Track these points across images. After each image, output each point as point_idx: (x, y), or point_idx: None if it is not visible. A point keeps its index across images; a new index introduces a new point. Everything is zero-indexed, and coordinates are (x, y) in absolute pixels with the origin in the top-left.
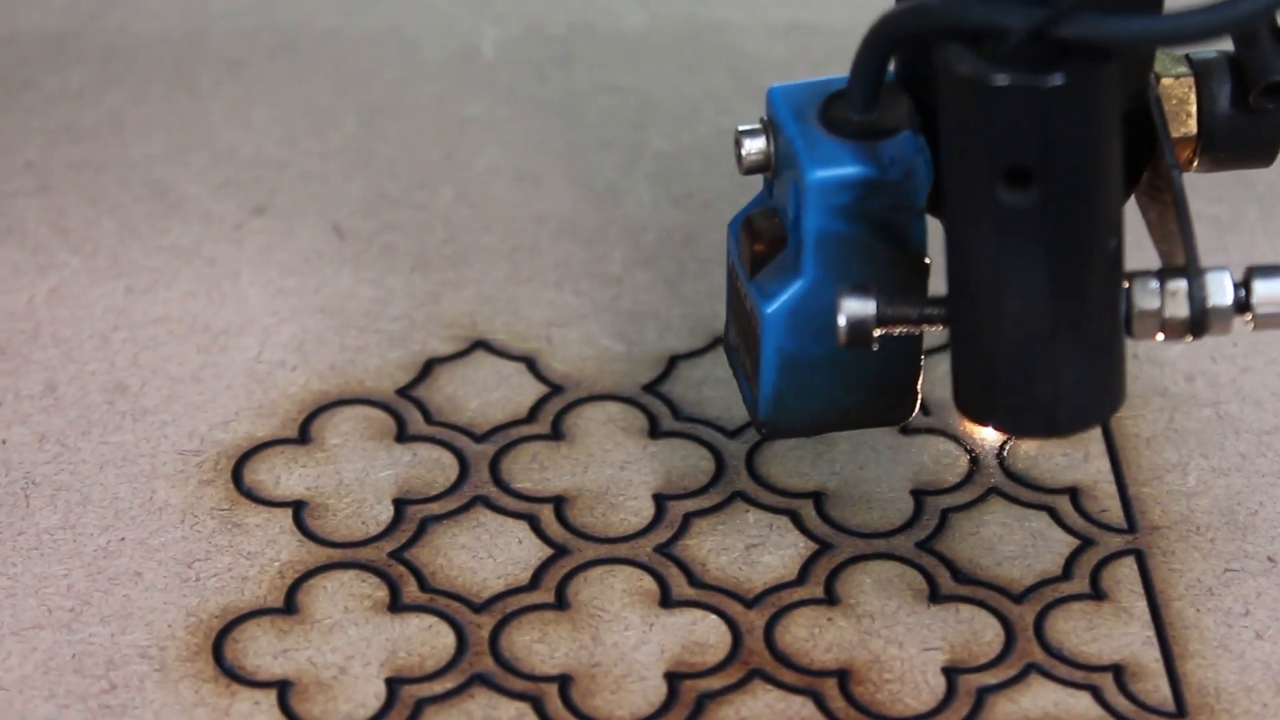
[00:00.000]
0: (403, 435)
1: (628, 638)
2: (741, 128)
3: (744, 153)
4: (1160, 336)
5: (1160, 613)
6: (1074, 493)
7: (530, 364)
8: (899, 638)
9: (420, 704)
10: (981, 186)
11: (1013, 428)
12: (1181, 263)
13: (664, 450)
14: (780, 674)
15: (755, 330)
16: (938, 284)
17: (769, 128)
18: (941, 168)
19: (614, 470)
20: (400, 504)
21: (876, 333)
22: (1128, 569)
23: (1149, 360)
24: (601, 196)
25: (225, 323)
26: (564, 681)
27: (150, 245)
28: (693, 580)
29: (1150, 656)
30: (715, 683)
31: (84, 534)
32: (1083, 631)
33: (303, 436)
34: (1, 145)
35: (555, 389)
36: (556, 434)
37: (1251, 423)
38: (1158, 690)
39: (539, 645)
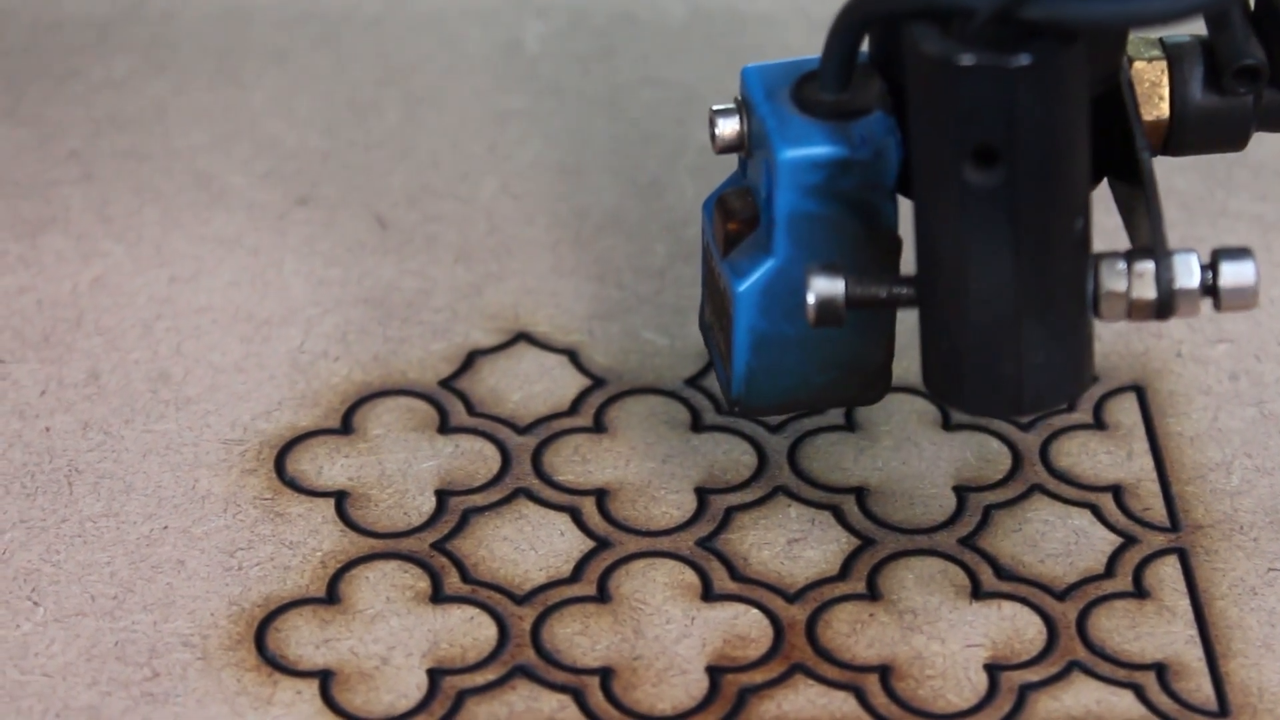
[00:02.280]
0: (445, 427)
1: (669, 631)
2: (715, 107)
3: (718, 132)
4: (1127, 318)
5: (1203, 612)
6: (1117, 491)
7: (573, 356)
8: (941, 634)
9: (462, 695)
10: (948, 166)
11: (978, 408)
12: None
13: (706, 444)
14: (822, 669)
15: (728, 309)
16: (910, 264)
17: (743, 107)
18: (910, 147)
19: (656, 463)
20: (442, 495)
21: (846, 312)
22: (1171, 568)
23: (1192, 359)
24: (644, 190)
25: (268, 312)
26: (605, 674)
27: (193, 234)
28: (734, 574)
29: (1193, 655)
30: (757, 677)
31: (127, 522)
32: (1125, 630)
33: (345, 427)
34: (46, 134)
35: (597, 382)
36: (599, 427)
37: None
38: (1200, 690)
39: (580, 638)
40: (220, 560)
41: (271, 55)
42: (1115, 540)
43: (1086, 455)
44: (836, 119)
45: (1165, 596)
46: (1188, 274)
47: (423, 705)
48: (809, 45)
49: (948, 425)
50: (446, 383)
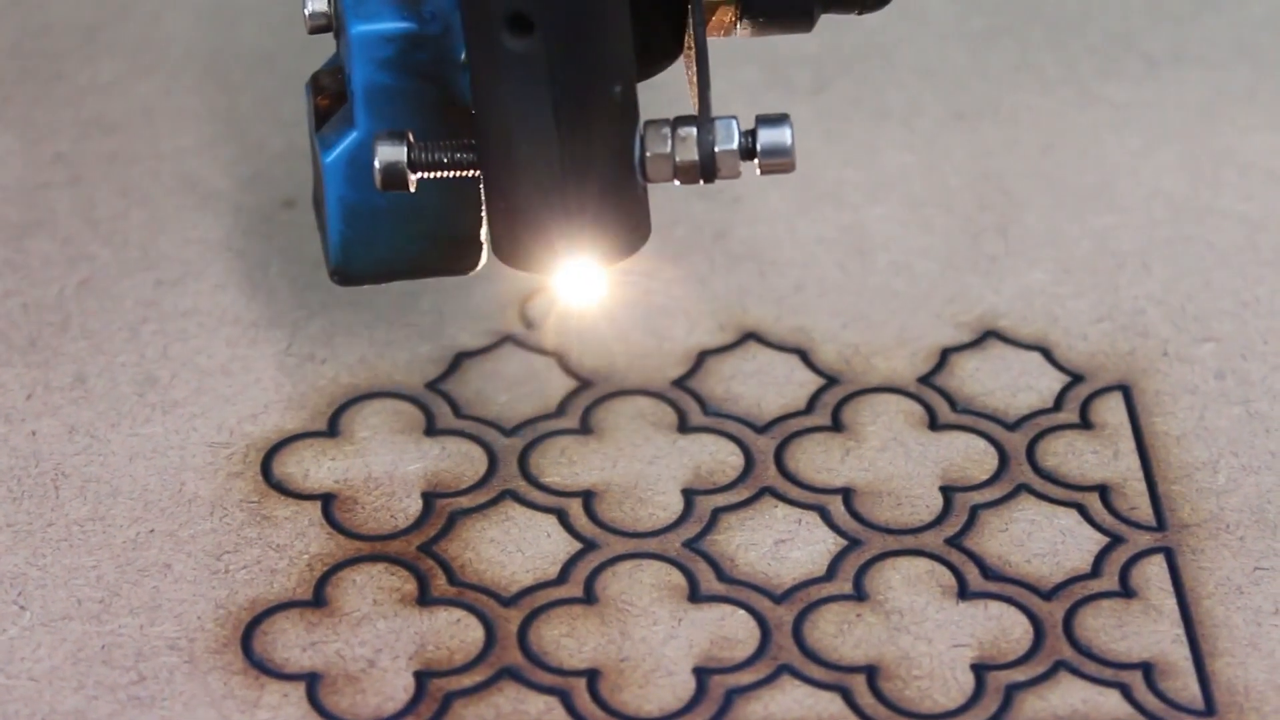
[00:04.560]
0: (432, 429)
1: (656, 632)
2: None
3: (307, 13)
4: (675, 180)
5: (1190, 611)
6: (1104, 490)
7: (559, 358)
8: (928, 634)
9: (449, 697)
10: (488, 34)
11: (533, 265)
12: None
13: (693, 445)
14: (809, 670)
15: (322, 181)
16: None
17: None
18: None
19: (643, 465)
20: (429, 497)
21: (413, 177)
22: (1157, 567)
23: (1178, 358)
24: None
25: (255, 315)
26: (592, 676)
27: (180, 238)
28: (721, 575)
29: (1179, 654)
30: (744, 678)
31: (113, 525)
32: (1112, 629)
33: (332, 430)
34: (33, 137)
35: (584, 383)
36: (585, 428)
37: None
38: (1187, 688)
39: (567, 640)
40: (207, 564)
41: (258, 58)
42: (1102, 540)
43: (1073, 455)
44: None
45: (1152, 596)
46: (728, 137)
47: (410, 707)
48: (799, 48)
49: (934, 425)
50: (433, 385)
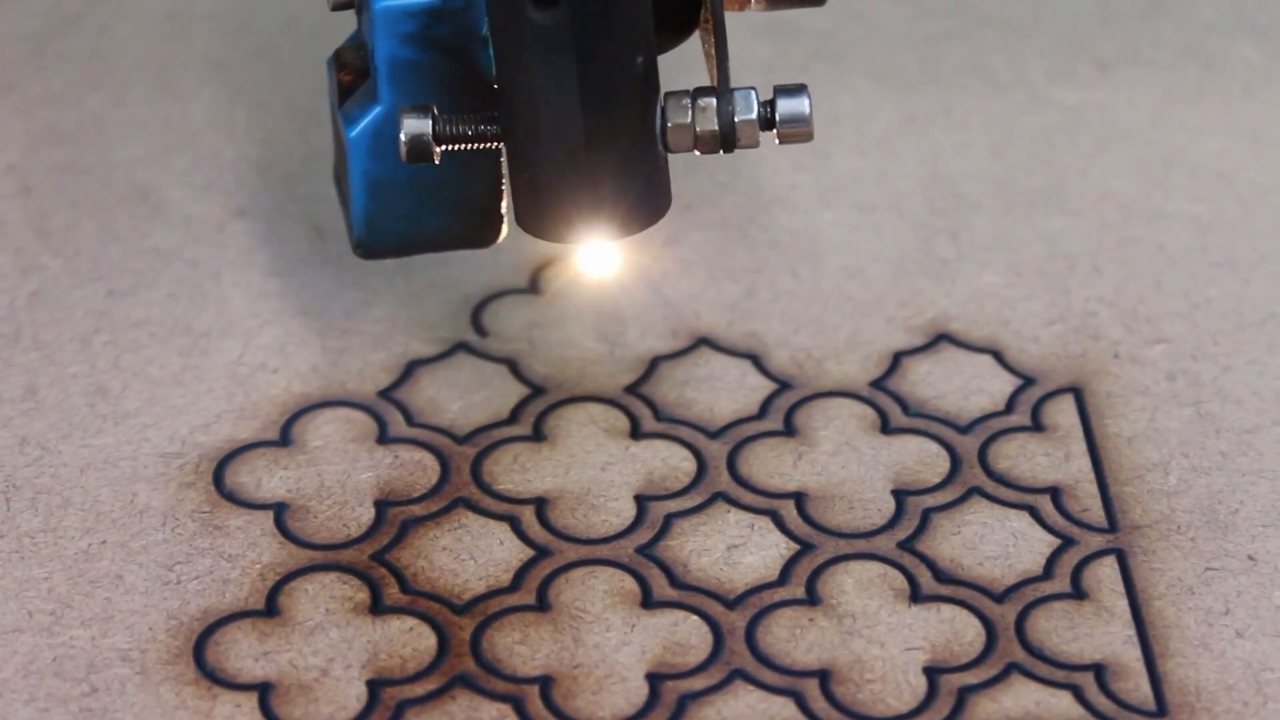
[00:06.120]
0: (384, 437)
1: (609, 639)
2: None
3: None
4: (695, 149)
5: (1141, 612)
6: (1055, 492)
7: (512, 366)
8: (880, 638)
9: (401, 706)
10: (514, 7)
11: (557, 235)
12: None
13: (645, 451)
14: (761, 674)
15: (345, 156)
16: None
17: None
18: None
19: (595, 471)
20: (381, 506)
21: (437, 149)
22: (1109, 568)
23: (1130, 360)
24: None
25: (207, 325)
26: (545, 683)
27: (132, 248)
28: (674, 581)
29: (1131, 656)
30: (697, 683)
31: (65, 537)
32: (1064, 631)
33: (284, 439)
34: None
35: (537, 390)
36: (538, 435)
37: (1232, 422)
38: (1139, 689)
39: (520, 647)
40: (159, 574)
41: (210, 67)
42: (1053, 542)
43: (1025, 457)
44: None
45: (1103, 597)
46: (747, 107)
47: (362, 716)
48: (749, 52)
49: (886, 429)
50: (386, 393)
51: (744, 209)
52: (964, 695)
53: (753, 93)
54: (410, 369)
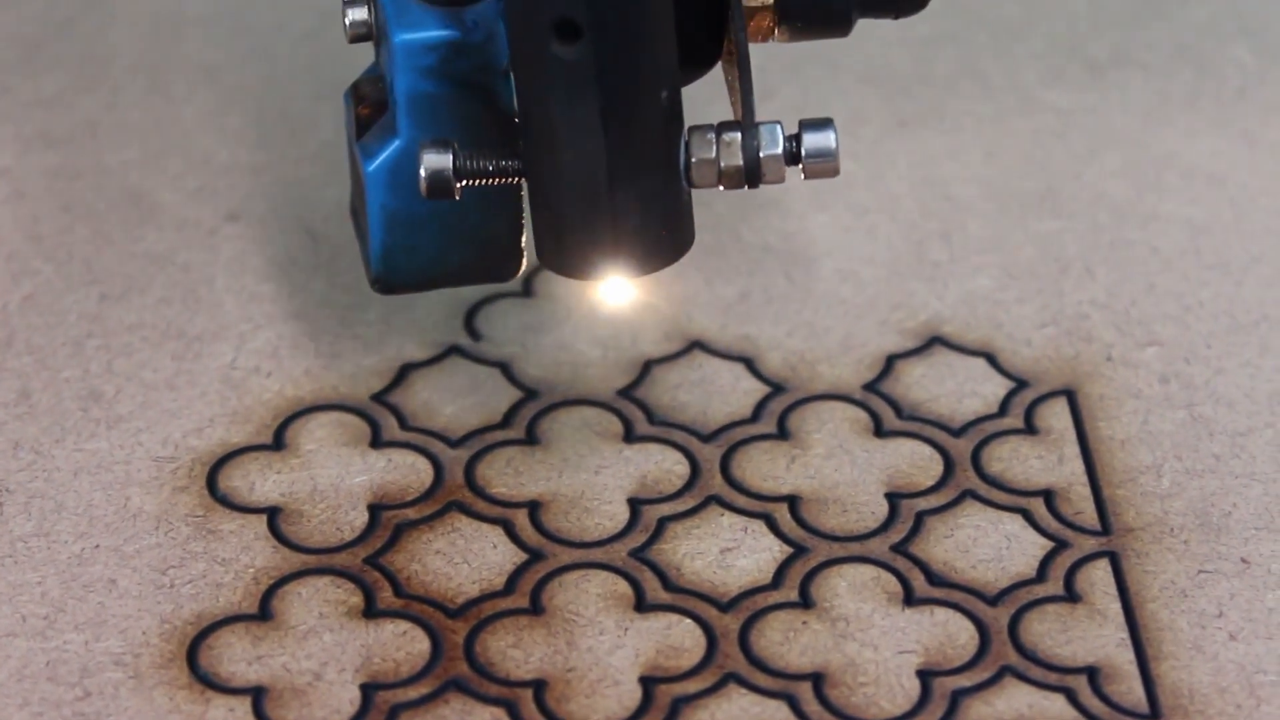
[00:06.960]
0: (377, 441)
1: (603, 642)
2: None
3: (347, 22)
4: (719, 185)
5: (1134, 615)
6: (1048, 495)
7: (505, 369)
8: (874, 641)
9: (395, 710)
10: (536, 40)
11: (580, 272)
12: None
13: (639, 454)
14: (755, 678)
15: (363, 190)
16: None
17: None
18: (506, 25)
19: (589, 475)
20: (375, 510)
21: (457, 184)
22: (1102, 571)
23: (1122, 363)
24: None
25: (200, 329)
26: (539, 686)
27: (124, 252)
28: (667, 584)
29: (1124, 658)
30: (690, 687)
31: (58, 541)
32: (1057, 634)
33: (277, 443)
34: None
35: (530, 394)
36: (531, 439)
37: (1225, 425)
38: (1132, 692)
39: (514, 650)
40: (152, 578)
41: (202, 71)
42: (1047, 545)
43: (1018, 460)
44: (450, 5)
45: (1097, 600)
46: (772, 142)
47: None
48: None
49: (880, 432)
50: (379, 397)
51: (737, 212)
52: (957, 698)
53: (778, 127)
54: (403, 372)
